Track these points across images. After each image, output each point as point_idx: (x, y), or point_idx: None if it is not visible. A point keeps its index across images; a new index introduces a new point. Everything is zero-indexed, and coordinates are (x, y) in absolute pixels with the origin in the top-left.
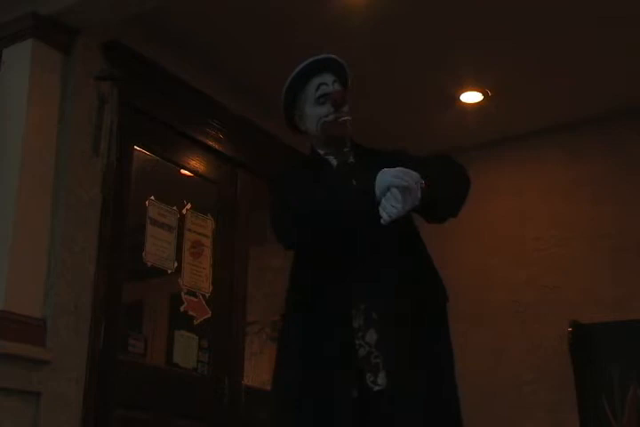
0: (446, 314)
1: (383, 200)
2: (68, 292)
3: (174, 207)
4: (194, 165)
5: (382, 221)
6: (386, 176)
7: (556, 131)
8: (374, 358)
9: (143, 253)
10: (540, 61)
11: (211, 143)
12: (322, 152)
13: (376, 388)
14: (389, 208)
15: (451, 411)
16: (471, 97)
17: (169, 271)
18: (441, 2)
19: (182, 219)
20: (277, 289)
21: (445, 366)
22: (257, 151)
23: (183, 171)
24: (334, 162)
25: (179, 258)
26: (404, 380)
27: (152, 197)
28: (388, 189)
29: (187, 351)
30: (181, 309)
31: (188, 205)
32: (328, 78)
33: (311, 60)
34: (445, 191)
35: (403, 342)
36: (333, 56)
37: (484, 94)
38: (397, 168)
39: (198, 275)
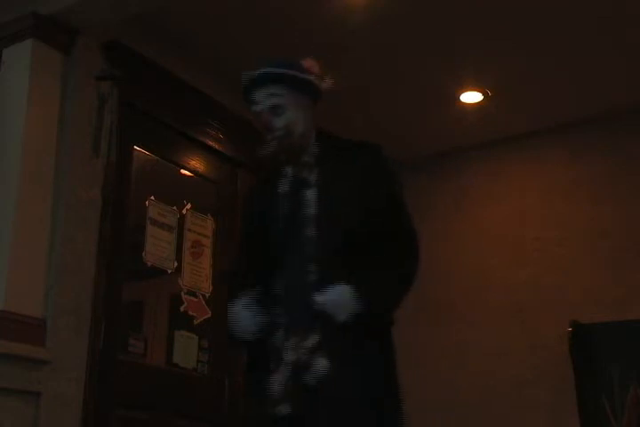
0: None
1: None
2: (68, 292)
3: (174, 207)
4: (194, 165)
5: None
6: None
7: (556, 131)
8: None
9: (143, 253)
10: (541, 61)
11: (211, 143)
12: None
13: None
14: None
15: (377, 411)
16: (471, 97)
17: (169, 271)
18: (441, 2)
19: (182, 219)
20: None
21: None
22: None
23: (183, 171)
24: (290, 174)
25: (179, 258)
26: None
27: (152, 197)
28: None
29: (187, 351)
30: (181, 309)
31: (188, 205)
32: (261, 95)
33: (246, 78)
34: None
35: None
36: (265, 70)
37: (483, 94)
38: (327, 305)
39: (198, 275)
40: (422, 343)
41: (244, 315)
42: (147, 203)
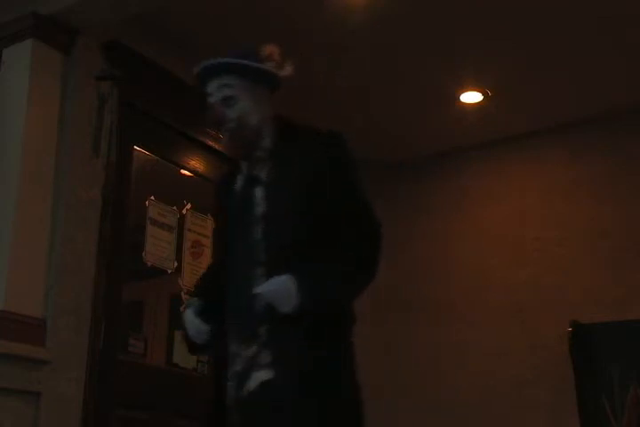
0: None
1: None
2: (68, 292)
3: (174, 207)
4: (194, 165)
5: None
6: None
7: (556, 131)
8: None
9: (143, 253)
10: (541, 61)
11: (211, 143)
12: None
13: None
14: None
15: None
16: (471, 97)
17: (169, 271)
18: (441, 2)
19: (182, 219)
20: None
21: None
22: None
23: (183, 171)
24: (244, 169)
25: (179, 258)
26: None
27: (152, 197)
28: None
29: (187, 351)
30: (181, 309)
31: (188, 205)
32: (213, 86)
33: (199, 69)
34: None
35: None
36: (215, 61)
37: (483, 94)
38: (275, 296)
39: (198, 275)
40: (422, 343)
41: (192, 323)
42: (147, 203)
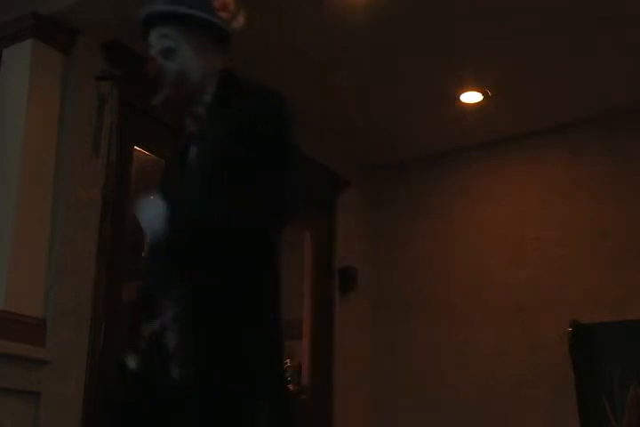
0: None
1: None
2: (68, 292)
3: None
4: None
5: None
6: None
7: (556, 131)
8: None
9: (143, 254)
10: (541, 61)
11: None
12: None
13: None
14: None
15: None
16: (471, 97)
17: None
18: (441, 2)
19: None
20: None
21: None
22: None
23: None
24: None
25: None
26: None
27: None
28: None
29: None
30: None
31: None
32: (153, 37)
33: (139, 17)
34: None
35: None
36: (154, 9)
37: (483, 94)
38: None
39: None
40: (422, 343)
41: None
42: None
